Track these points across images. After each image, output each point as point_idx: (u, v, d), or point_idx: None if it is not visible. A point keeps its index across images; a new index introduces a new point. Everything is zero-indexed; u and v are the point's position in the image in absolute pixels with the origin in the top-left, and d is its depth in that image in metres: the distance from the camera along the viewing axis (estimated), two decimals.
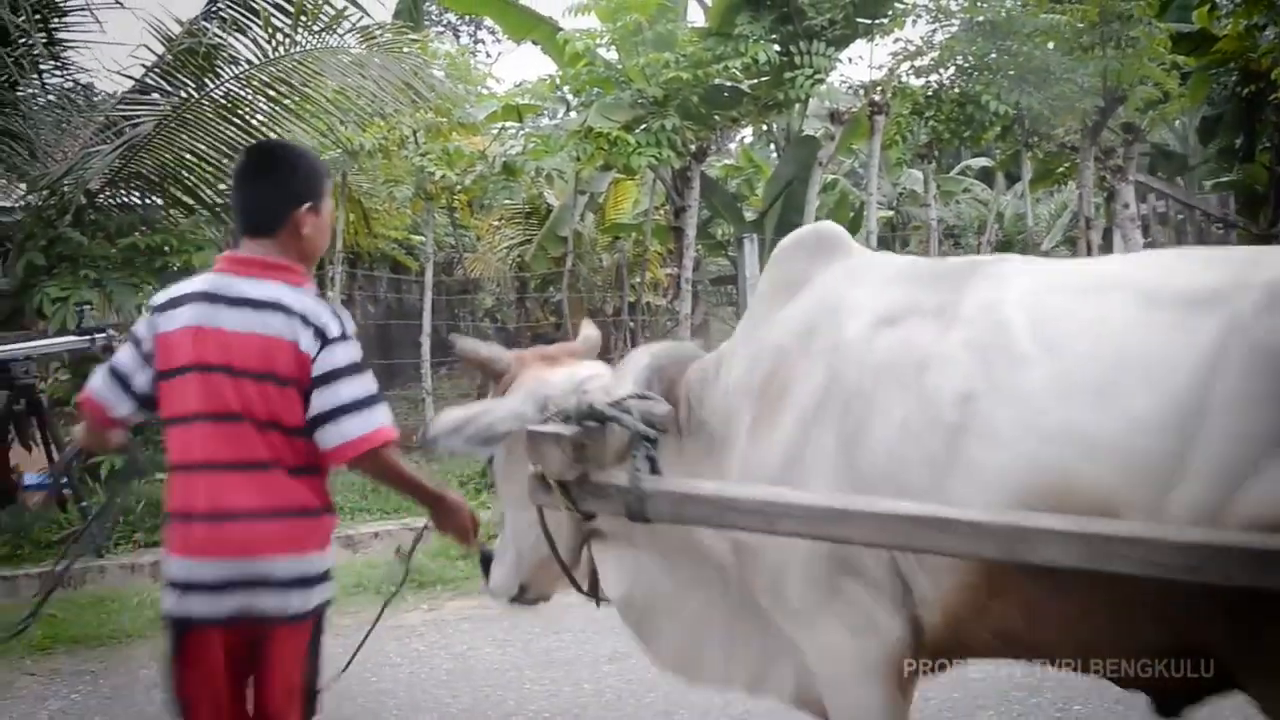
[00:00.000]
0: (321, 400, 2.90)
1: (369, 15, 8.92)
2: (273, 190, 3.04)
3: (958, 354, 2.26)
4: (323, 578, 2.98)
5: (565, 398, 2.84)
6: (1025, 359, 2.16)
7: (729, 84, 10.41)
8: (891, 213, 16.31)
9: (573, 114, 11.22)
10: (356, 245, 11.97)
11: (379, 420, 2.93)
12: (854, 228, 13.41)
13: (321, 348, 2.91)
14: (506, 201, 12.30)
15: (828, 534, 2.27)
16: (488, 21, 21.87)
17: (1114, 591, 2.03)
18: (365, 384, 2.94)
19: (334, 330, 2.93)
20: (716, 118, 10.45)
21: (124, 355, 3.07)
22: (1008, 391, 2.15)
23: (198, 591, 2.88)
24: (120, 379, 3.05)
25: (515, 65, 24.34)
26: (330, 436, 2.90)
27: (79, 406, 3.21)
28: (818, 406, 2.44)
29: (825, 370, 2.45)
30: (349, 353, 2.95)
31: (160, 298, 3.05)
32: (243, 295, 2.94)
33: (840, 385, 2.41)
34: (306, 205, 3.03)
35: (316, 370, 2.90)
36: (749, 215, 13.12)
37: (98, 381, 3.09)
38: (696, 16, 11.51)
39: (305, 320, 2.91)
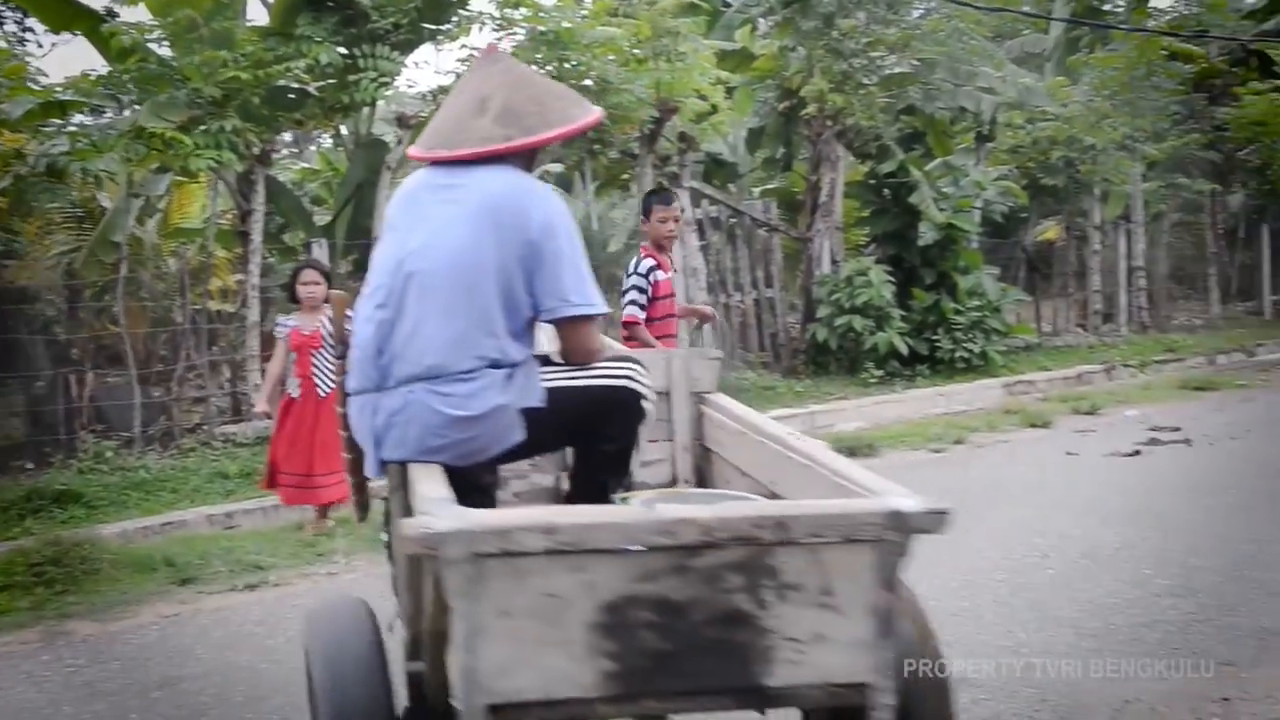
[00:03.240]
0: None
1: None
2: None
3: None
4: None
5: None
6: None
7: (294, 85, 10.22)
8: None
9: (126, 112, 10.61)
10: None
11: None
12: None
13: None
14: (51, 205, 11.42)
15: None
16: None
17: None
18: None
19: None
20: (280, 119, 10.23)
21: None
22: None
23: None
24: None
25: (73, 58, 22.53)
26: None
27: None
28: None
29: None
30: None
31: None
32: None
33: None
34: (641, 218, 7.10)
35: None
36: (322, 219, 12.92)
37: None
38: (257, 15, 11.25)
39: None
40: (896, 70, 13.04)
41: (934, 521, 2.65)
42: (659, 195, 7.28)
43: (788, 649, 2.67)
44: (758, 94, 14.56)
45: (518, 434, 3.22)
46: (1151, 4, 19.26)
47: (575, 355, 3.35)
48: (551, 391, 3.32)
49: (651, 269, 6.74)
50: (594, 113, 3.44)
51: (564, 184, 16.89)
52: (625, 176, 14.01)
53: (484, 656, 2.60)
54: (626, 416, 3.44)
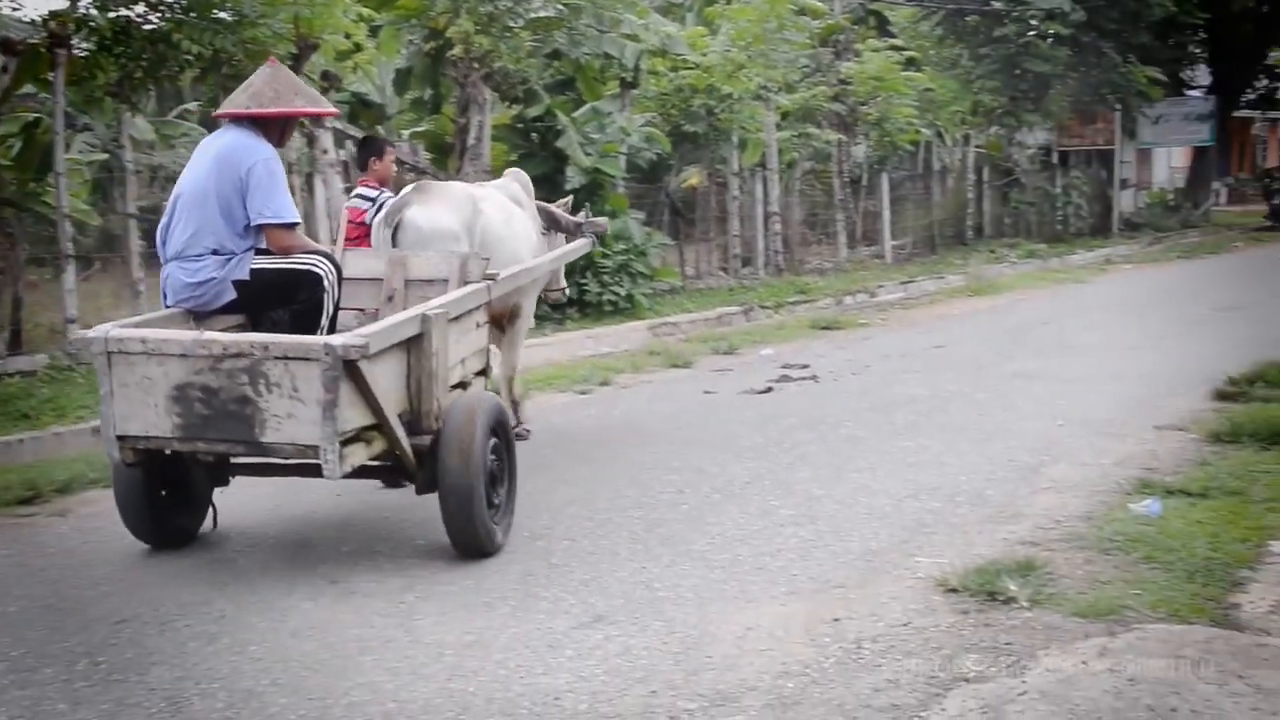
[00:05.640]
0: None
1: None
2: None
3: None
4: None
5: None
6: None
7: None
8: (106, 155, 15.29)
9: None
10: None
11: None
12: (45, 168, 12.40)
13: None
14: None
15: None
16: None
17: None
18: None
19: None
20: None
21: None
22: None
23: None
24: None
25: None
26: None
27: None
28: None
29: None
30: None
31: None
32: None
33: None
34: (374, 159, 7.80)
35: None
36: None
37: None
38: None
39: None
40: (543, 14, 13.05)
41: (353, 351, 4.70)
42: (386, 140, 8.79)
43: (273, 420, 4.84)
44: (404, 34, 14.21)
45: (229, 295, 5.43)
46: None
47: (275, 249, 5.49)
48: (260, 271, 5.44)
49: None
50: (316, 107, 5.98)
51: (206, 124, 15.95)
52: None
53: (114, 409, 4.98)
54: (308, 289, 5.51)
